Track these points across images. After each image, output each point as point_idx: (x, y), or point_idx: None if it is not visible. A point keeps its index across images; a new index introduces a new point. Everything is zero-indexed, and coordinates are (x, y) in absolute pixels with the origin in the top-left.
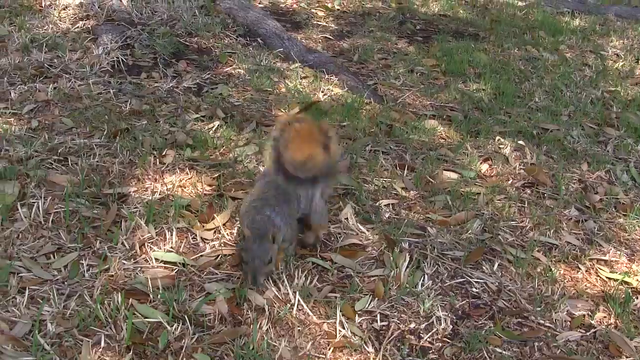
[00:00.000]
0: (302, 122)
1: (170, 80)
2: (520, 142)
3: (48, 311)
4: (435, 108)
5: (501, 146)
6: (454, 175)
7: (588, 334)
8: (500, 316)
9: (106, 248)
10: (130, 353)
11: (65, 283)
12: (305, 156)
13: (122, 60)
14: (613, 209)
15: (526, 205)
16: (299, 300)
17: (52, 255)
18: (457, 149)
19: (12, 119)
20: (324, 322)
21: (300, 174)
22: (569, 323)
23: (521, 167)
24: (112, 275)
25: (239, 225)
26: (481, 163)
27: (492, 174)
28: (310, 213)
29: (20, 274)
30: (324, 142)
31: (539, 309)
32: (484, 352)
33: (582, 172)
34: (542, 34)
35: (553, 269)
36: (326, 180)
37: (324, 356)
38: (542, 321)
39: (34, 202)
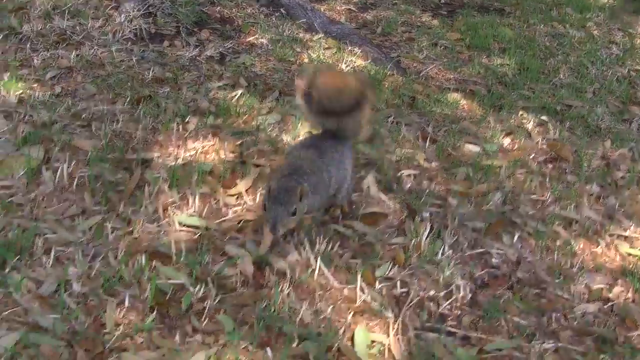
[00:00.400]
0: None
1: (192, 49)
2: (544, 117)
3: (73, 271)
4: (459, 82)
5: (524, 121)
6: (475, 148)
7: (605, 307)
8: (518, 287)
9: (130, 211)
10: (154, 313)
11: (90, 245)
12: (338, 83)
13: (144, 28)
14: (635, 186)
15: (547, 179)
16: (320, 266)
17: (76, 218)
18: (480, 122)
19: (35, 85)
20: (344, 287)
21: (332, 103)
22: (586, 296)
23: (543, 142)
24: (136, 238)
25: (260, 193)
26: (503, 137)
27: (514, 148)
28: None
29: (45, 236)
30: (357, 96)
31: (557, 281)
32: (502, 321)
33: (604, 149)
34: (568, 11)
35: (572, 242)
36: (354, 131)
37: (344, 320)
38: (560, 293)
39: (58, 166)
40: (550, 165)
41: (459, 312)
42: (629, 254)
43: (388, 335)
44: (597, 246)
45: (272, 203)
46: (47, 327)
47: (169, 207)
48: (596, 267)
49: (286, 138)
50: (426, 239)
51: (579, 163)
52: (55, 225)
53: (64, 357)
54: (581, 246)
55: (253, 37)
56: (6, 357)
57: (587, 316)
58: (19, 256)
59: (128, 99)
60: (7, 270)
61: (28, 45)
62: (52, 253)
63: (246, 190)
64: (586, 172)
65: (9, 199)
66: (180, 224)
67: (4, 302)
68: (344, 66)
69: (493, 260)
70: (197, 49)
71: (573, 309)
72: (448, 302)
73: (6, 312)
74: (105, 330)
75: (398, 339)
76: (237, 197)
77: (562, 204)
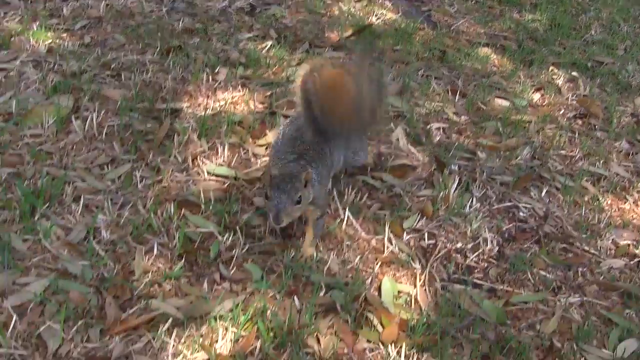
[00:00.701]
0: (334, 68)
1: (222, 0)
2: (574, 73)
3: (102, 219)
4: (489, 37)
5: (554, 77)
6: (505, 103)
7: (632, 262)
8: (545, 241)
9: (159, 160)
10: (182, 261)
11: (119, 193)
12: (337, 105)
13: None
14: None
15: (576, 135)
16: (348, 216)
17: (105, 167)
18: (510, 77)
19: (64, 35)
20: (372, 238)
21: (331, 125)
22: (613, 251)
23: (573, 98)
24: (165, 187)
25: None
26: (533, 92)
27: (544, 104)
28: (349, 161)
29: (75, 184)
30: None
31: (584, 236)
32: (528, 274)
33: (635, 106)
34: None
35: (600, 198)
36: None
37: (371, 270)
38: (587, 248)
39: (88, 115)
40: (579, 122)
41: (486, 264)
42: None
43: (415, 286)
44: (625, 202)
45: (274, 191)
46: (76, 273)
47: (198, 157)
48: (623, 223)
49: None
50: (454, 191)
51: (609, 120)
52: (84, 174)
53: (93, 303)
54: (609, 202)
55: None
56: (35, 303)
57: (613, 271)
58: (48, 204)
59: (158, 49)
60: (36, 217)
61: None
62: (81, 201)
63: None
64: (615, 128)
65: (39, 148)
66: (209, 173)
67: (34, 249)
68: (374, 19)
69: (520, 214)
70: (227, 0)
71: (599, 264)
72: (475, 255)
73: (35, 259)
74: (133, 278)
75: (425, 289)
76: (267, 148)
77: (590, 160)
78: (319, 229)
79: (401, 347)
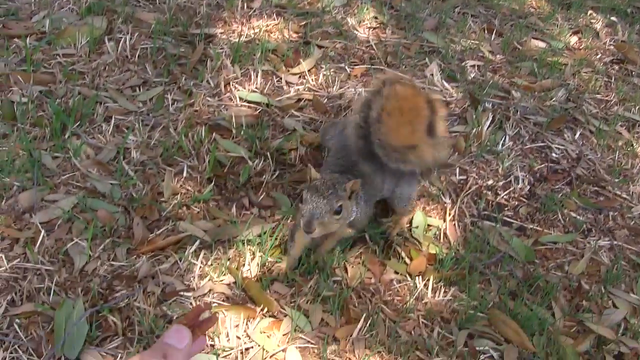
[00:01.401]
0: (405, 86)
1: None
2: (613, 18)
3: (133, 140)
4: None
5: (592, 21)
6: (541, 44)
7: None
8: (577, 183)
9: (191, 84)
10: (212, 184)
11: (150, 115)
12: (406, 142)
13: None
14: None
15: (613, 80)
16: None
17: (137, 88)
18: (547, 19)
19: None
20: None
21: (395, 163)
22: None
23: (611, 43)
24: (197, 111)
25: (325, 73)
26: (570, 35)
27: (581, 47)
28: (393, 197)
29: (106, 104)
30: (430, 120)
31: (616, 180)
32: (559, 214)
33: None
34: None
35: (634, 144)
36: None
37: None
38: (618, 192)
39: (121, 37)
40: (616, 67)
41: (517, 203)
42: None
43: (444, 221)
44: None
45: (312, 194)
46: (104, 192)
47: (231, 83)
48: None
49: (351, 21)
50: (487, 129)
51: None
52: (116, 95)
53: (120, 222)
54: None
55: None
56: (63, 220)
57: None
58: (79, 122)
59: None
60: (67, 135)
61: None
62: (112, 121)
63: (309, 70)
64: None
65: (71, 67)
66: (241, 99)
67: (63, 167)
68: None
69: (553, 154)
70: None
71: (630, 209)
72: (506, 193)
73: (65, 177)
74: (162, 199)
75: (454, 224)
76: (300, 76)
77: (626, 106)
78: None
79: (428, 279)
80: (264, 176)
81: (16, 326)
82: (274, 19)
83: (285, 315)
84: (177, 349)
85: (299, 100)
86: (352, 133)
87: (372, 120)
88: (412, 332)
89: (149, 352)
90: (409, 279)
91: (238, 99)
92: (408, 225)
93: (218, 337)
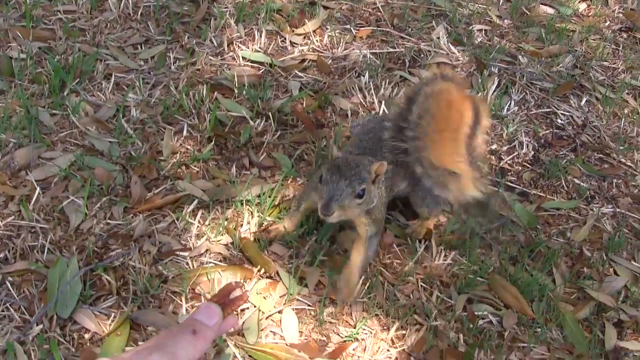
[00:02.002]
0: (450, 87)
1: None
2: None
3: (133, 98)
4: None
5: None
6: (550, 10)
7: None
8: (582, 149)
9: (194, 43)
10: (212, 144)
11: (151, 73)
12: (447, 163)
13: None
14: None
15: (620, 48)
16: (383, 110)
17: (139, 46)
18: None
19: None
20: None
21: (433, 185)
22: None
23: (620, 11)
24: (199, 69)
25: (330, 34)
26: (579, 2)
27: (589, 14)
28: (414, 197)
29: (107, 62)
30: (472, 131)
31: (621, 148)
32: (562, 181)
33: None
34: None
35: None
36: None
37: None
38: (623, 160)
39: None
40: (624, 35)
41: (520, 168)
42: None
43: None
44: None
45: (333, 174)
46: (102, 150)
47: (234, 42)
48: None
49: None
50: (493, 93)
51: None
52: (117, 52)
53: (118, 181)
54: None
55: None
56: (60, 177)
57: None
58: (78, 80)
59: None
60: (65, 92)
61: None
62: (112, 79)
63: (314, 31)
64: None
65: (72, 24)
66: (244, 58)
67: (61, 124)
68: None
69: (558, 120)
70: None
71: (635, 177)
72: (510, 157)
73: (62, 134)
74: (161, 158)
75: None
76: (304, 37)
77: (633, 74)
78: (371, 249)
79: (429, 243)
80: (265, 136)
81: (8, 284)
82: None
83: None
84: (207, 326)
85: (303, 60)
86: (389, 126)
87: (411, 124)
88: (411, 296)
89: (179, 327)
90: (409, 242)
91: (241, 59)
92: None
93: None
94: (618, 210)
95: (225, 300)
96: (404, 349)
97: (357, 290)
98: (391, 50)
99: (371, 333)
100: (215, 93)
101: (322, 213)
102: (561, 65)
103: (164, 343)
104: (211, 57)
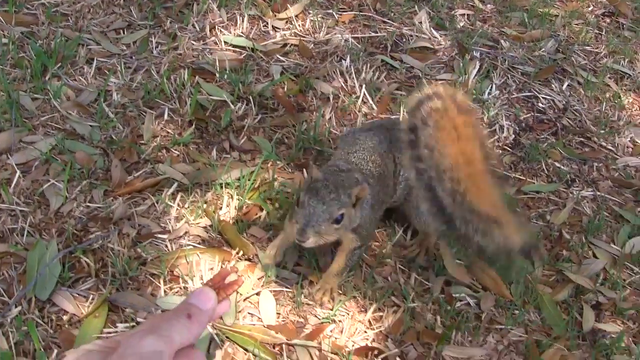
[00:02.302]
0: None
1: None
2: None
3: (114, 82)
4: None
5: None
6: None
7: None
8: (563, 133)
9: (176, 28)
10: (192, 127)
11: (133, 57)
12: (488, 206)
13: None
14: None
15: (603, 33)
16: (364, 93)
17: (122, 31)
18: None
19: None
20: (387, 117)
21: (476, 235)
22: (630, 149)
23: None
24: (181, 54)
25: (312, 18)
26: None
27: None
28: (409, 208)
29: (89, 47)
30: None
31: (602, 131)
32: (543, 164)
33: None
34: None
35: (622, 96)
36: None
37: None
38: (604, 144)
39: None
40: (607, 20)
41: (500, 151)
42: None
43: None
44: None
45: (310, 197)
46: (83, 134)
47: (216, 27)
48: None
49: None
50: (474, 77)
51: (638, 20)
52: (99, 37)
53: (99, 164)
54: (630, 101)
55: None
56: (41, 161)
57: (628, 169)
58: (60, 64)
59: None
60: (47, 77)
61: None
62: (94, 63)
63: (296, 16)
64: None
65: (55, 9)
66: (226, 43)
67: (42, 108)
68: None
69: (540, 104)
70: None
71: (615, 161)
72: (490, 141)
73: (44, 118)
74: (142, 141)
75: None
76: (287, 22)
77: (615, 58)
78: (353, 260)
79: (408, 226)
80: (245, 120)
81: None
82: None
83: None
84: (201, 310)
85: (285, 45)
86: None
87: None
88: (389, 278)
89: (174, 311)
90: (387, 224)
91: (223, 43)
92: None
93: (192, 280)
94: (598, 193)
95: (220, 285)
96: (381, 331)
97: (333, 294)
98: (373, 34)
99: (348, 315)
100: (197, 77)
101: (297, 239)
102: (543, 49)
103: (159, 326)
104: (193, 42)
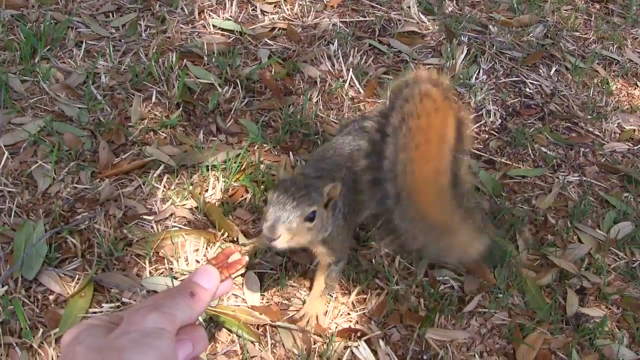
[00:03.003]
0: (439, 88)
1: None
2: None
3: (103, 65)
4: None
5: None
6: None
7: (635, 148)
8: (550, 118)
9: (165, 11)
10: (180, 110)
11: (122, 41)
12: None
13: None
14: None
15: (592, 19)
16: (351, 77)
17: (111, 14)
18: None
19: None
20: (374, 102)
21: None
22: (617, 135)
23: None
24: (169, 37)
25: (300, 2)
26: None
27: None
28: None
29: (78, 29)
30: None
31: (589, 117)
32: (529, 149)
33: None
34: None
35: (610, 82)
36: None
37: None
38: (591, 129)
39: None
40: (597, 6)
41: (487, 136)
42: None
43: None
44: (635, 89)
45: (278, 194)
46: (72, 116)
47: (205, 10)
48: (631, 108)
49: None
50: (462, 62)
51: (628, 6)
52: (88, 20)
53: (87, 146)
54: (618, 87)
55: None
56: (29, 143)
57: (615, 155)
58: (49, 47)
59: None
60: (36, 59)
61: None
62: (83, 46)
63: (285, 0)
64: (634, 15)
65: None
66: (214, 27)
67: (31, 90)
68: None
69: (527, 89)
70: None
71: (602, 146)
72: (477, 125)
73: (32, 100)
74: (129, 124)
75: None
76: (275, 6)
77: (604, 44)
78: (332, 278)
79: None
80: (232, 103)
81: None
82: None
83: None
84: (205, 289)
85: (273, 29)
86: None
87: (392, 129)
88: (373, 261)
89: (177, 289)
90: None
91: (211, 27)
92: None
93: (177, 261)
94: (584, 178)
95: (224, 264)
96: (364, 313)
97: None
98: (361, 19)
99: (332, 297)
100: (185, 60)
101: (266, 236)
102: (532, 35)
103: (162, 304)
104: (182, 25)
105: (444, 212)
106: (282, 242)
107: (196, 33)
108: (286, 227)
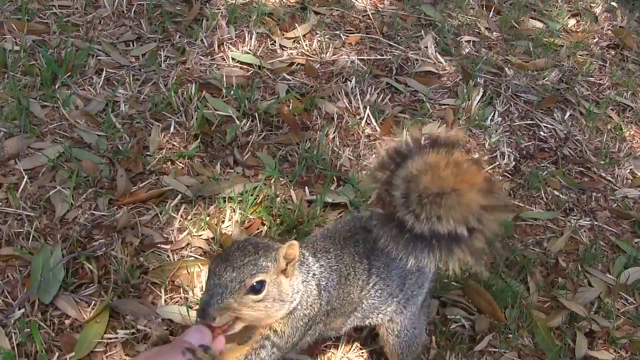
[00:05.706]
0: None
1: None
2: (613, 3)
3: (122, 93)
4: None
5: (592, 4)
6: (539, 24)
7: None
8: (563, 162)
9: (185, 42)
10: (198, 141)
11: (142, 70)
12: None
13: None
14: None
15: (607, 65)
16: (368, 115)
17: (131, 43)
18: (547, 0)
19: None
20: (390, 139)
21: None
22: (630, 181)
23: (609, 28)
24: (188, 68)
25: (319, 39)
26: (569, 17)
27: (578, 30)
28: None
29: (99, 57)
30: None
31: (602, 162)
32: (542, 192)
33: None
34: None
35: (623, 128)
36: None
37: None
38: (603, 174)
39: None
40: (612, 52)
41: (500, 178)
42: None
43: None
44: None
45: (218, 263)
46: (90, 143)
47: (225, 43)
48: None
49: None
50: (477, 103)
51: None
52: (109, 48)
53: (105, 173)
54: (631, 133)
55: None
56: (48, 168)
57: (627, 200)
58: (70, 73)
59: None
60: (57, 85)
61: None
62: (103, 74)
63: (304, 35)
64: None
65: (66, 19)
66: (233, 59)
67: (51, 116)
68: None
69: (541, 133)
70: None
71: (614, 192)
72: (491, 167)
73: (52, 126)
74: (147, 153)
75: None
76: (294, 41)
77: (618, 90)
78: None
79: None
80: (250, 136)
81: None
82: None
83: None
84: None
85: (291, 64)
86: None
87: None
88: None
89: (169, 347)
90: None
91: (231, 60)
92: None
93: (192, 290)
94: (596, 223)
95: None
96: (375, 349)
97: None
98: (379, 57)
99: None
100: (204, 92)
101: (198, 317)
102: (547, 79)
103: None
104: (201, 57)
105: None
106: (217, 321)
107: (215, 65)
108: (219, 309)
